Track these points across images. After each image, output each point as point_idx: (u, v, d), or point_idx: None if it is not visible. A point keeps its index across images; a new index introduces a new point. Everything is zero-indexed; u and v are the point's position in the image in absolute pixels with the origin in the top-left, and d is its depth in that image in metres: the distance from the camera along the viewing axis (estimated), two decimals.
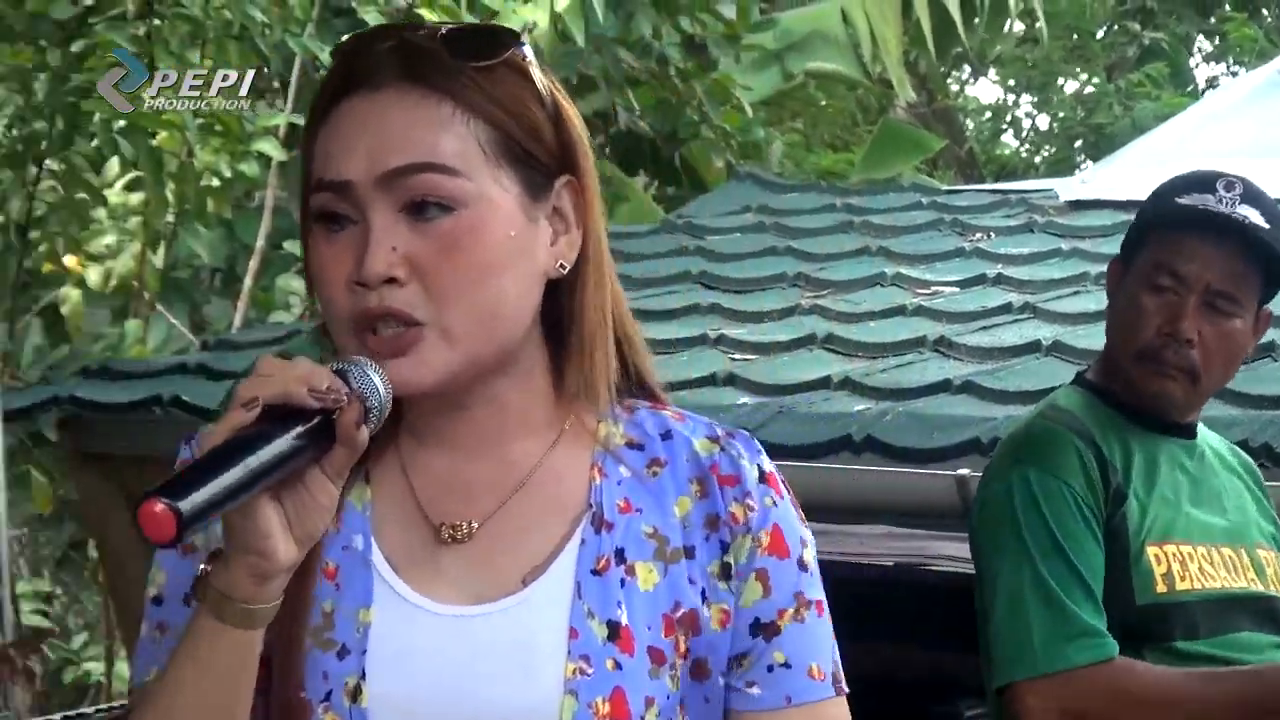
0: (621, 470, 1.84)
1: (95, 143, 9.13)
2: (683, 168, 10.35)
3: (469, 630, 1.76)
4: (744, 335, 6.38)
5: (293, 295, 9.66)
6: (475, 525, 1.79)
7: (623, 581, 1.79)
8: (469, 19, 8.95)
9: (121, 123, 8.71)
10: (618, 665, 1.76)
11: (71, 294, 9.66)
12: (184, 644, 1.68)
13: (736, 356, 6.19)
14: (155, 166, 8.75)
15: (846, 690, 1.87)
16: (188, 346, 9.17)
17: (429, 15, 8.72)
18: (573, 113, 1.83)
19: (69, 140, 9.14)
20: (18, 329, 9.71)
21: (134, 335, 9.82)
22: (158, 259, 9.72)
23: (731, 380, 5.85)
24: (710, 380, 5.84)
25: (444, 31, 1.76)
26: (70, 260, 9.61)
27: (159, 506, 1.57)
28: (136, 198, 9.40)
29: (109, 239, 9.64)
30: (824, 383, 5.72)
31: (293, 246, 9.69)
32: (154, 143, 8.74)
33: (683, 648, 1.80)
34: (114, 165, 9.36)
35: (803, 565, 1.86)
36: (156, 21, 8.57)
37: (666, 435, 1.87)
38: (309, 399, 1.64)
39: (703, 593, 1.81)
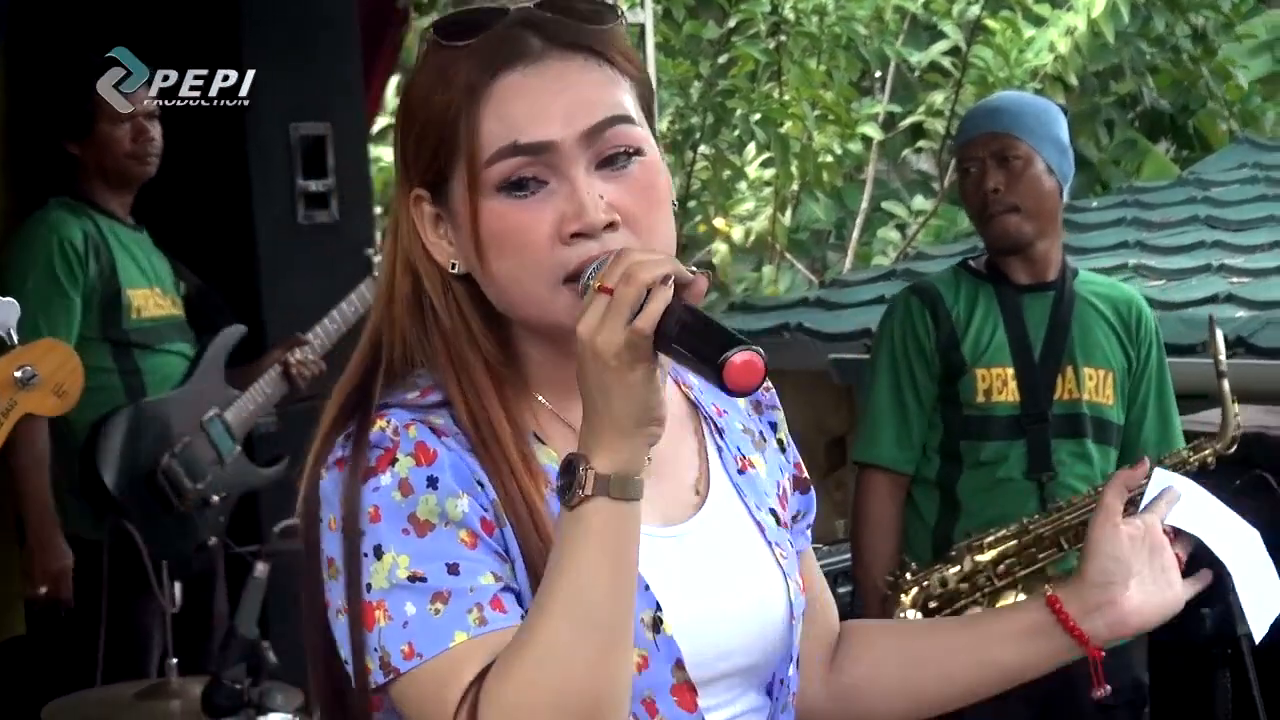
0: (691, 378, 1.73)
1: (737, 132, 9.82)
2: (1195, 135, 10.45)
3: (690, 543, 1.63)
4: (1239, 263, 6.74)
5: (888, 245, 10.01)
6: (649, 456, 1.56)
7: (754, 475, 1.71)
8: (1025, 24, 9.53)
9: (757, 116, 9.43)
10: (790, 543, 1.71)
11: (721, 249, 10.22)
12: (583, 543, 1.48)
13: (1233, 280, 6.57)
14: (783, 148, 9.40)
15: None
16: (810, 286, 9.64)
17: (995, 26, 9.41)
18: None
19: (717, 131, 9.87)
20: None
21: (769, 279, 10.38)
22: (786, 220, 10.18)
23: (1230, 298, 6.26)
24: (1213, 299, 6.22)
25: (554, 3, 1.61)
26: (720, 223, 10.17)
27: (755, 357, 1.42)
28: (769, 173, 9.92)
29: (749, 205, 10.14)
30: None
31: (890, 207, 10.19)
32: (781, 130, 9.41)
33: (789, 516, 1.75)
34: (751, 149, 9.92)
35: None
36: (783, 38, 9.30)
37: None
38: (687, 273, 1.49)
39: (779, 468, 1.76)
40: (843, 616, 4.77)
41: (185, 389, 4.60)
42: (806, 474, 1.81)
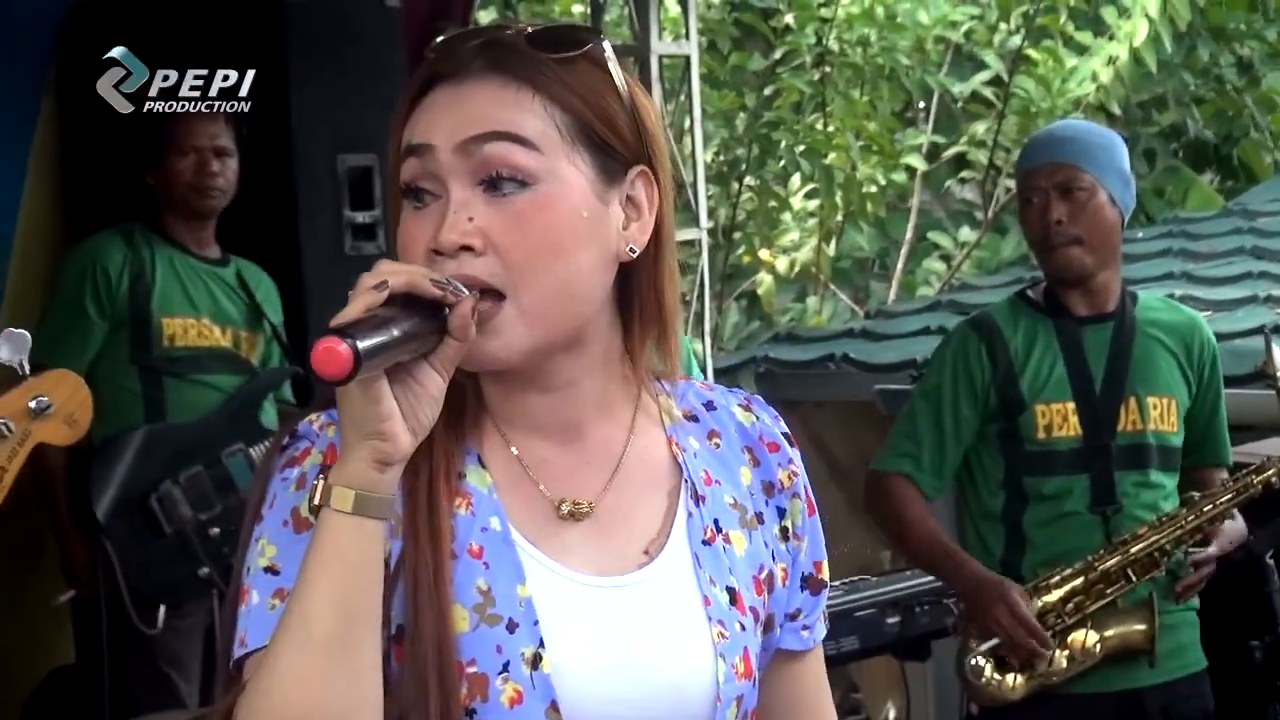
0: (692, 443, 1.69)
1: (781, 163, 9.96)
2: (1240, 165, 10.41)
3: (617, 599, 1.59)
4: None
5: (932, 275, 10.04)
6: (592, 503, 1.61)
7: (724, 549, 1.65)
8: (1067, 53, 9.58)
9: (801, 147, 9.51)
10: (741, 627, 1.63)
11: (765, 280, 10.25)
12: (311, 554, 1.48)
13: None
14: (827, 179, 9.44)
15: None
16: (853, 316, 9.71)
17: (1037, 56, 9.36)
18: (650, 109, 1.63)
19: (762, 162, 10.00)
20: (723, 309, 10.33)
21: (813, 309, 10.38)
22: (830, 250, 10.20)
23: (1277, 329, 5.65)
24: (1259, 330, 5.75)
25: (528, 29, 1.59)
26: (764, 254, 10.19)
27: (342, 346, 1.38)
28: (813, 203, 9.93)
29: (793, 236, 10.16)
30: None
31: (934, 237, 10.24)
32: (826, 161, 9.46)
33: (766, 605, 1.68)
34: (796, 180, 9.98)
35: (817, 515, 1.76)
36: (828, 69, 9.35)
37: (709, 406, 1.71)
38: (433, 288, 1.47)
39: (773, 554, 1.70)
40: (901, 643, 4.61)
41: (208, 420, 4.60)
42: (826, 576, 1.74)
